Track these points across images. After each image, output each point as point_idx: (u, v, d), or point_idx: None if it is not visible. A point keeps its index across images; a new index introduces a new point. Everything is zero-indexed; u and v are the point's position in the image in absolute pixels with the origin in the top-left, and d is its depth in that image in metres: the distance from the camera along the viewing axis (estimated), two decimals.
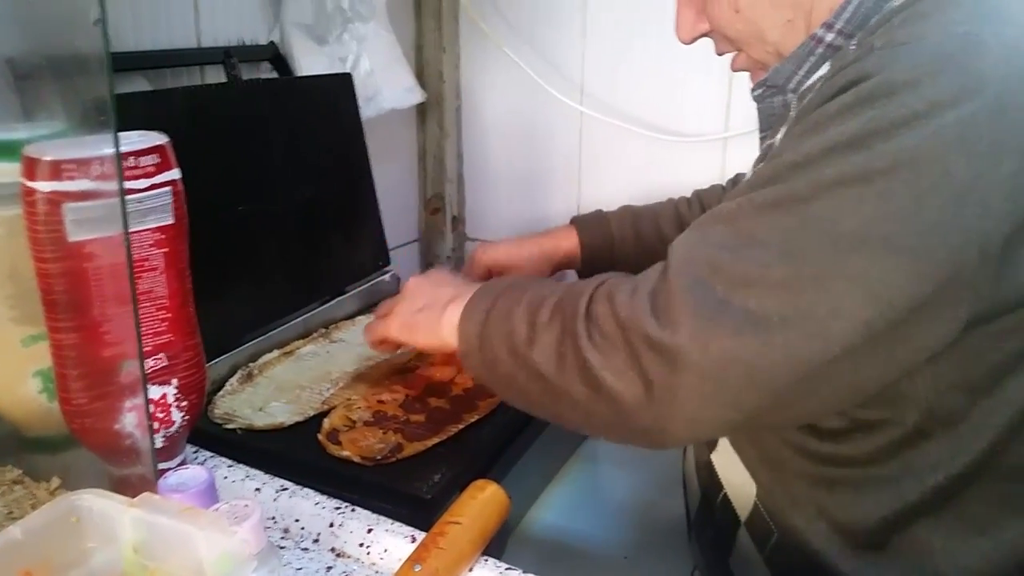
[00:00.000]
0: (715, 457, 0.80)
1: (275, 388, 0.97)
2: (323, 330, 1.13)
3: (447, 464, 0.82)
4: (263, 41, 1.20)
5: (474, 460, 0.84)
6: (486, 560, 0.63)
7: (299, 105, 1.16)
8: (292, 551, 0.67)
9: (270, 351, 1.05)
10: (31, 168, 0.57)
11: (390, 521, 0.67)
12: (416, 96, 1.42)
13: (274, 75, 1.21)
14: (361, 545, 0.66)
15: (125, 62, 0.99)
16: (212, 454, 0.77)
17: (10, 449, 0.68)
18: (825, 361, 0.55)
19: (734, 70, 0.79)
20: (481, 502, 0.64)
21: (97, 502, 0.51)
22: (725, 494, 0.79)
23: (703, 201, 1.06)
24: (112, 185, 0.56)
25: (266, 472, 0.74)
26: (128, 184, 0.61)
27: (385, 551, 0.65)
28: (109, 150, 0.55)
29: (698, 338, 0.56)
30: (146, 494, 0.50)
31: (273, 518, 0.70)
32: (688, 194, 1.10)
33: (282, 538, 0.68)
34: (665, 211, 1.06)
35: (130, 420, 0.62)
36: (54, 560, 0.50)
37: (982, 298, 0.56)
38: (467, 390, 0.96)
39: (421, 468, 0.81)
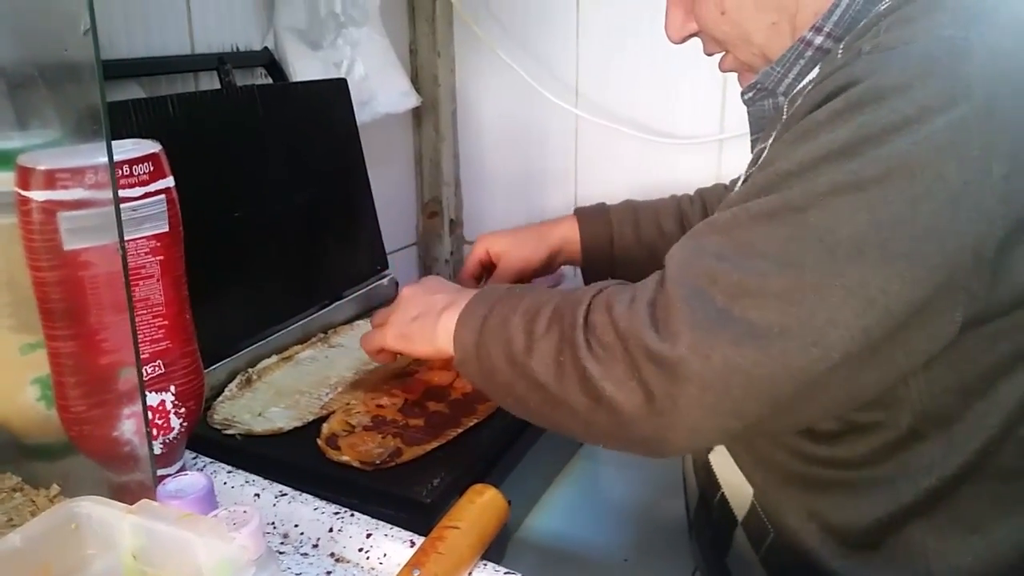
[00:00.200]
0: (713, 457, 0.81)
1: (274, 393, 0.97)
2: (322, 335, 1.13)
3: (446, 468, 0.82)
4: (257, 47, 1.21)
5: (473, 464, 0.84)
6: (485, 564, 0.63)
7: (294, 111, 1.16)
8: (291, 556, 0.67)
9: (269, 356, 1.05)
10: (25, 178, 0.58)
11: (389, 526, 0.67)
12: (411, 100, 1.43)
13: (268, 81, 1.21)
14: (360, 550, 0.66)
15: (119, 69, 0.99)
16: (211, 460, 0.78)
17: (9, 456, 0.68)
18: (825, 369, 0.55)
19: (722, 71, 0.80)
20: (480, 506, 0.64)
21: (96, 509, 0.51)
22: (722, 494, 0.79)
23: (705, 200, 1.06)
24: (106, 194, 0.56)
25: (265, 477, 0.74)
26: (122, 192, 0.61)
27: (384, 556, 0.65)
28: (103, 159, 0.55)
29: (698, 349, 0.56)
30: (145, 501, 0.50)
31: (272, 523, 0.70)
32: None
33: (281, 543, 0.68)
34: (667, 207, 1.07)
35: (128, 427, 0.62)
36: (54, 567, 0.50)
37: (976, 301, 0.57)
38: (466, 394, 0.96)
39: (420, 472, 0.81)
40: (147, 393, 0.66)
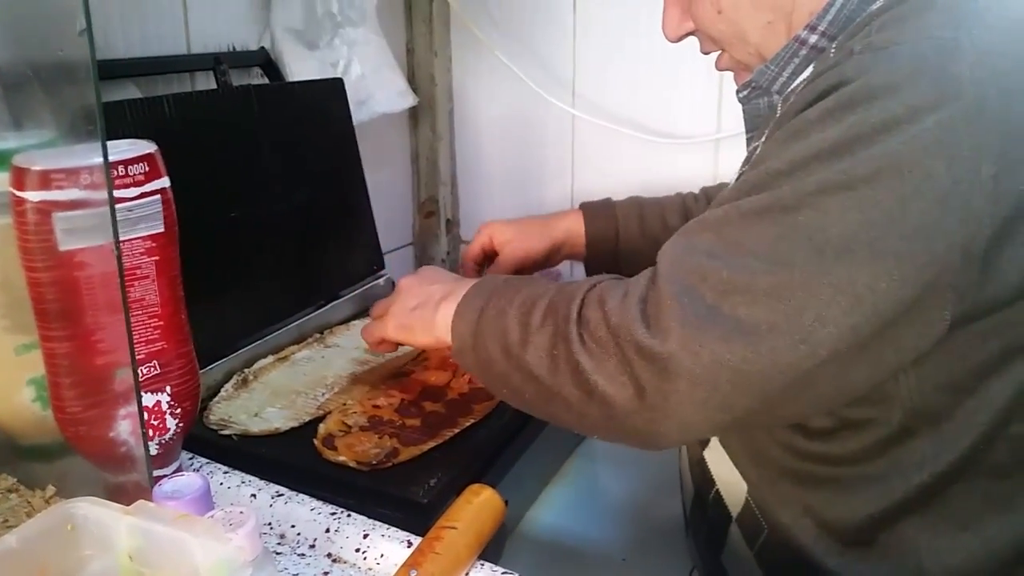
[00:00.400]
0: (708, 454, 0.81)
1: (270, 393, 0.97)
2: (318, 335, 1.13)
3: (443, 468, 0.82)
4: (253, 47, 1.20)
5: (470, 464, 0.84)
6: (482, 564, 0.63)
7: (290, 111, 1.16)
8: (288, 557, 0.67)
9: (265, 356, 1.05)
10: (20, 178, 0.57)
11: (386, 526, 0.67)
12: (408, 100, 1.42)
13: (264, 81, 1.21)
14: (357, 550, 0.66)
15: (114, 69, 0.99)
16: (208, 460, 0.77)
17: (5, 457, 0.68)
18: (813, 366, 0.56)
19: (718, 69, 0.80)
20: (476, 506, 0.64)
21: (92, 510, 0.51)
22: (717, 490, 0.80)
23: (710, 198, 1.07)
24: (102, 194, 0.56)
25: (262, 478, 0.74)
26: (118, 193, 0.61)
27: (381, 556, 0.65)
28: (98, 159, 0.55)
29: (688, 346, 0.57)
30: (141, 501, 0.50)
31: (269, 524, 0.70)
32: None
33: (278, 544, 0.68)
34: (672, 204, 1.07)
35: (124, 428, 0.62)
36: (50, 569, 0.50)
37: (965, 299, 0.57)
38: (463, 394, 0.96)
39: (417, 472, 0.81)
40: (143, 394, 0.66)
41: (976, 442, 0.64)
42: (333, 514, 0.69)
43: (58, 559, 0.50)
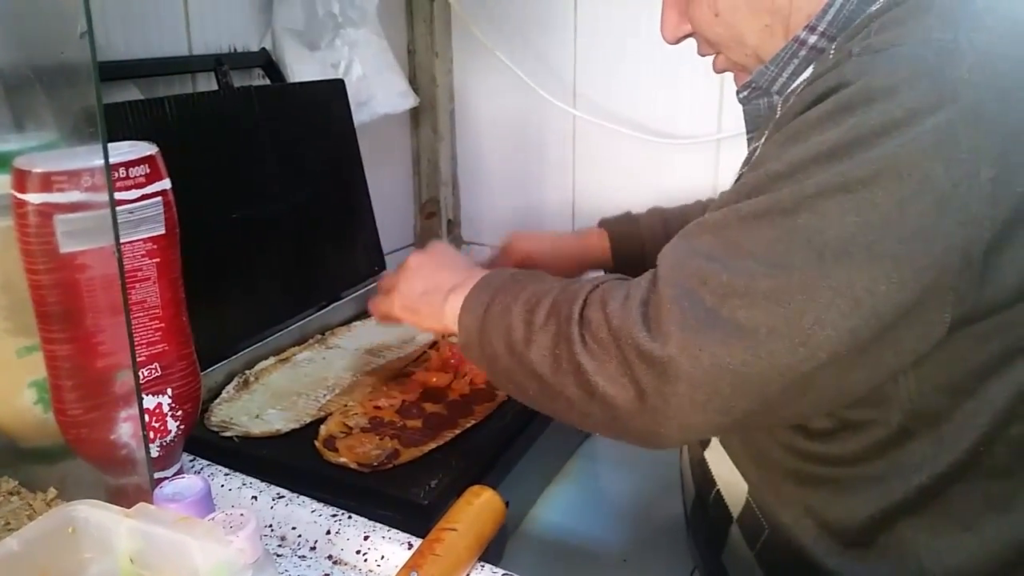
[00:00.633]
0: (708, 454, 0.81)
1: (271, 395, 0.97)
2: (319, 336, 1.13)
3: (444, 470, 0.82)
4: (254, 48, 1.20)
5: (471, 465, 0.84)
6: (483, 566, 0.63)
7: (292, 111, 1.16)
8: (289, 559, 0.67)
9: (266, 358, 1.05)
10: (21, 180, 0.57)
11: (387, 528, 0.67)
12: (409, 100, 1.42)
13: (266, 82, 1.21)
14: (358, 552, 0.66)
15: (116, 71, 0.99)
16: (209, 462, 0.77)
17: (6, 460, 0.68)
18: (812, 369, 0.56)
19: (716, 71, 0.80)
20: (477, 508, 0.64)
21: (93, 513, 0.51)
22: (718, 490, 0.80)
23: None
24: (103, 196, 0.56)
25: (263, 480, 0.74)
26: (119, 195, 0.61)
27: (382, 558, 0.65)
28: (99, 161, 0.55)
29: (687, 349, 0.57)
30: (142, 504, 0.50)
31: (270, 526, 0.70)
32: (686, 194, 1.10)
33: (279, 546, 0.68)
34: (693, 212, 1.06)
35: (125, 430, 0.62)
36: (51, 571, 0.50)
37: (965, 302, 0.57)
38: (463, 395, 0.97)
39: (418, 474, 0.81)
40: (144, 396, 0.66)
41: (976, 443, 0.64)
42: (334, 516, 0.69)
43: (59, 562, 0.50)
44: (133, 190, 0.63)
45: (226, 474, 0.75)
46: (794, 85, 0.70)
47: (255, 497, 0.72)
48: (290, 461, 0.84)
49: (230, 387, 0.97)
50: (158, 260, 0.65)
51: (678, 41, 0.80)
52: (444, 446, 0.85)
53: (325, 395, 0.97)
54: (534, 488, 1.03)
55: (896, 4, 0.61)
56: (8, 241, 0.60)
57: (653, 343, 0.58)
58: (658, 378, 0.58)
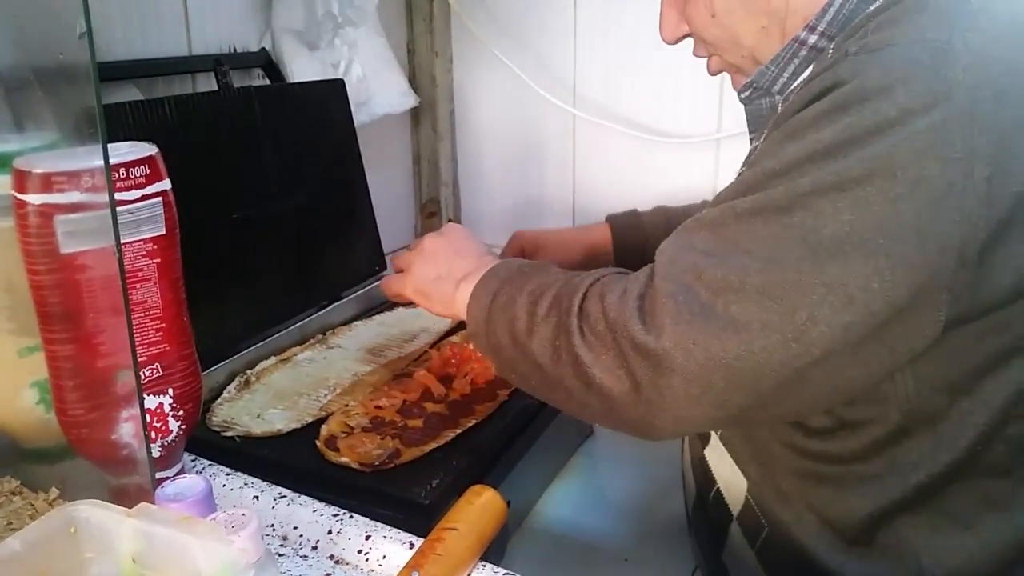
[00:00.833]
0: (708, 453, 0.81)
1: (273, 395, 0.97)
2: (320, 336, 1.13)
3: (445, 469, 0.82)
4: (254, 48, 1.20)
5: (472, 465, 0.84)
6: (484, 565, 0.63)
7: (292, 112, 1.16)
8: (291, 559, 0.67)
9: (267, 358, 1.05)
10: (21, 181, 0.58)
11: (388, 528, 0.67)
12: (409, 100, 1.42)
13: (266, 82, 1.21)
14: (360, 552, 0.66)
15: (116, 71, 0.99)
16: (210, 462, 0.77)
17: (8, 460, 0.68)
18: (805, 365, 0.57)
19: (710, 73, 0.81)
20: (478, 508, 0.64)
21: (95, 513, 0.51)
22: (718, 489, 0.80)
23: None
24: (103, 197, 0.56)
25: (264, 480, 0.74)
26: (119, 196, 0.61)
27: (384, 558, 0.65)
28: (99, 162, 0.55)
29: (681, 343, 0.57)
30: (143, 504, 0.50)
31: (272, 526, 0.70)
32: (686, 194, 1.10)
33: (281, 546, 0.68)
34: (697, 211, 1.06)
35: (127, 430, 0.62)
36: (53, 571, 0.50)
37: (960, 301, 0.57)
38: (464, 395, 0.97)
39: (419, 473, 0.81)
40: (145, 396, 0.66)
41: (974, 443, 0.64)
42: (335, 515, 0.69)
43: (61, 562, 0.50)
44: (133, 190, 0.63)
45: (227, 474, 0.75)
46: (795, 85, 0.70)
47: (257, 497, 0.72)
48: (291, 461, 0.84)
49: (231, 387, 0.97)
50: (159, 260, 0.65)
51: (677, 41, 0.80)
52: (445, 446, 0.85)
53: (326, 395, 0.97)
54: (535, 487, 1.03)
55: (893, 3, 0.61)
56: (9, 242, 0.60)
57: (648, 336, 0.59)
58: (653, 370, 0.59)
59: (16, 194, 0.58)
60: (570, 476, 1.09)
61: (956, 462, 0.65)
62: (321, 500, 0.71)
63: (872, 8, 0.64)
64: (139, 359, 0.65)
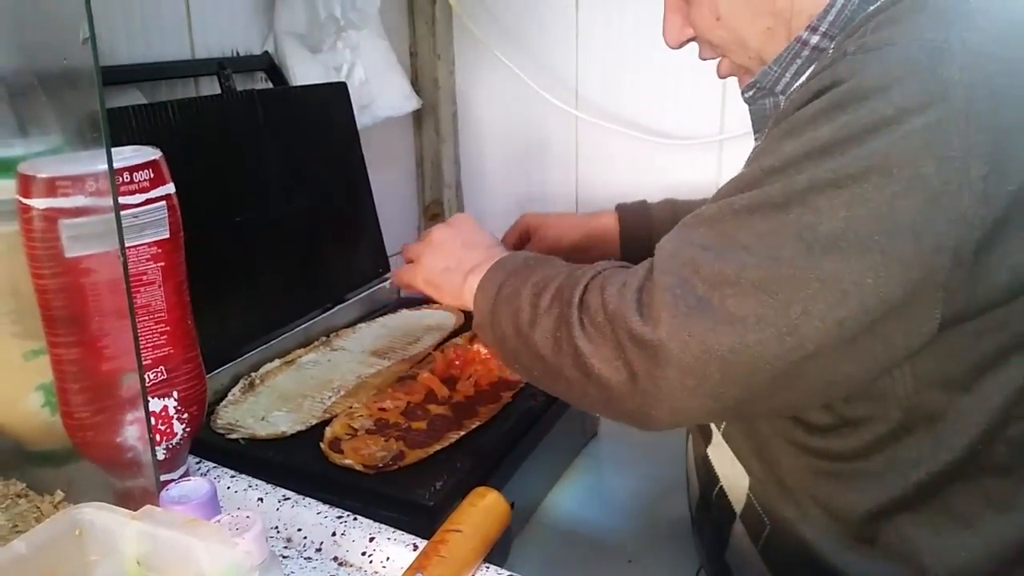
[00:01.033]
0: (711, 451, 0.81)
1: (277, 397, 0.97)
2: (324, 338, 1.13)
3: (449, 471, 0.82)
4: (257, 51, 1.21)
5: (476, 467, 0.84)
6: (488, 567, 0.63)
7: (294, 115, 1.16)
8: (295, 560, 0.67)
9: (271, 360, 1.05)
10: (26, 185, 0.58)
11: (392, 530, 0.67)
12: (412, 103, 1.43)
13: (268, 85, 1.21)
14: (363, 554, 0.66)
15: (119, 75, 0.99)
16: (215, 464, 0.78)
17: (14, 463, 0.68)
18: (799, 358, 0.57)
19: (720, 76, 0.81)
20: (482, 509, 0.64)
21: (99, 515, 0.51)
22: (721, 487, 0.80)
23: None
24: (107, 201, 0.56)
25: (268, 482, 0.74)
26: (123, 199, 0.61)
27: (387, 559, 0.65)
28: (103, 166, 0.55)
29: (677, 334, 0.58)
30: (148, 506, 0.51)
31: (276, 528, 0.70)
32: (689, 195, 1.09)
33: (285, 548, 0.69)
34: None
35: (132, 433, 0.63)
36: (58, 574, 0.50)
37: (956, 299, 0.57)
38: (468, 397, 0.97)
39: (423, 475, 0.81)
40: (150, 399, 0.66)
41: (974, 441, 0.64)
42: (339, 517, 0.69)
43: (66, 564, 0.51)
44: (137, 194, 0.63)
45: (232, 476, 0.75)
46: (797, 84, 0.70)
47: (261, 499, 0.72)
48: (296, 463, 0.84)
49: (236, 389, 0.98)
50: (163, 264, 0.66)
51: (681, 45, 0.80)
52: (449, 447, 0.85)
53: (330, 397, 0.97)
54: (539, 489, 1.03)
55: (892, 3, 0.62)
56: (14, 246, 0.60)
57: (645, 327, 0.60)
58: (649, 361, 0.60)
59: (21, 198, 0.58)
60: (574, 477, 1.09)
61: (957, 461, 0.65)
62: (325, 502, 0.71)
63: (872, 8, 0.64)
64: (144, 362, 0.65)
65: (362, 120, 1.30)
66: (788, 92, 0.72)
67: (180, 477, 0.69)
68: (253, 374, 1.01)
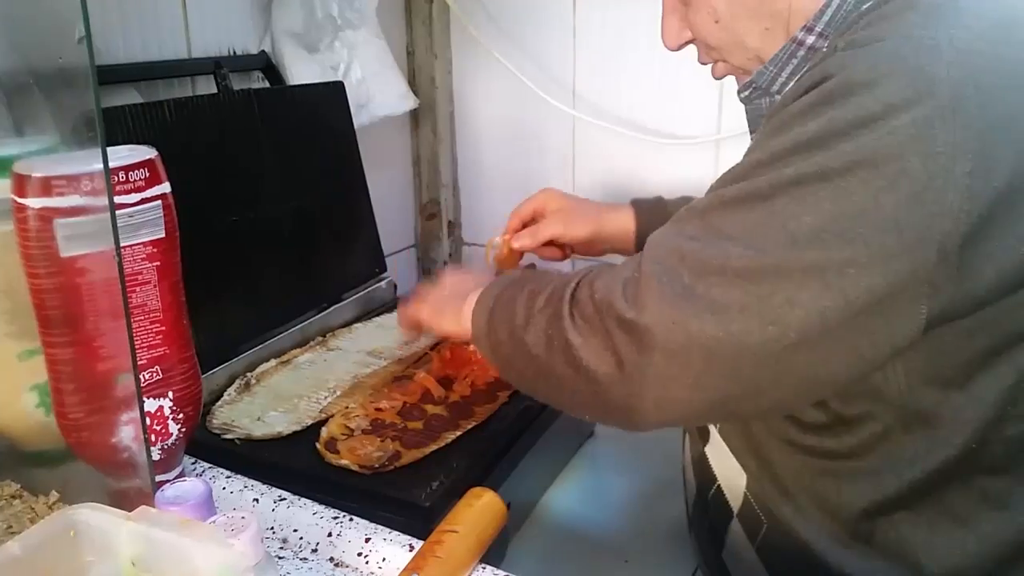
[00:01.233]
0: (709, 450, 0.81)
1: (273, 397, 0.97)
2: (320, 338, 1.13)
3: (445, 471, 0.82)
4: (254, 51, 1.21)
5: (472, 467, 0.84)
6: (484, 567, 0.63)
7: (291, 114, 1.16)
8: (291, 561, 0.67)
9: (267, 360, 1.05)
10: (21, 185, 0.58)
11: (388, 530, 0.67)
12: (409, 102, 1.43)
13: (265, 85, 1.21)
14: (359, 555, 0.66)
15: (115, 74, 0.99)
16: (210, 465, 0.77)
17: (9, 463, 0.68)
18: (782, 348, 0.58)
19: (715, 78, 0.81)
20: (478, 510, 0.64)
21: (94, 516, 0.51)
22: (718, 486, 0.80)
23: None
24: (102, 200, 0.56)
25: (264, 482, 0.74)
26: (118, 199, 0.61)
27: (383, 560, 0.65)
28: (98, 166, 0.55)
29: (662, 320, 0.59)
30: (143, 507, 0.50)
31: (272, 528, 0.70)
32: (687, 195, 1.10)
33: (281, 548, 0.68)
34: None
35: (127, 433, 0.62)
36: (53, 575, 0.50)
37: (942, 296, 0.58)
38: (464, 397, 0.97)
39: (419, 476, 0.81)
40: (145, 399, 0.66)
41: (968, 440, 0.65)
42: (335, 518, 0.69)
43: (61, 565, 0.51)
44: (133, 194, 0.63)
45: (227, 477, 0.75)
46: (793, 84, 0.71)
47: (256, 500, 0.72)
48: (291, 463, 0.84)
49: (231, 389, 0.97)
50: (158, 264, 0.65)
51: (679, 48, 0.80)
52: (445, 448, 0.85)
53: (326, 397, 0.97)
54: (536, 489, 1.03)
55: (885, 1, 0.62)
56: (9, 245, 0.60)
57: (631, 312, 0.60)
58: (635, 346, 0.60)
59: (16, 198, 0.58)
60: (570, 477, 1.09)
61: (952, 459, 0.65)
62: (321, 503, 0.71)
63: (866, 6, 0.65)
64: (139, 362, 0.65)
65: (359, 119, 1.29)
66: (783, 91, 0.72)
67: (175, 478, 0.69)
68: (249, 374, 1.01)
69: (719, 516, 0.81)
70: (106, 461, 0.64)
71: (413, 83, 1.52)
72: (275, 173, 1.12)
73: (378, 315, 1.23)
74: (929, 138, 0.55)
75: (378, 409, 0.93)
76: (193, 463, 0.78)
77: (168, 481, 0.58)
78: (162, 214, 0.65)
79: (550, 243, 1.03)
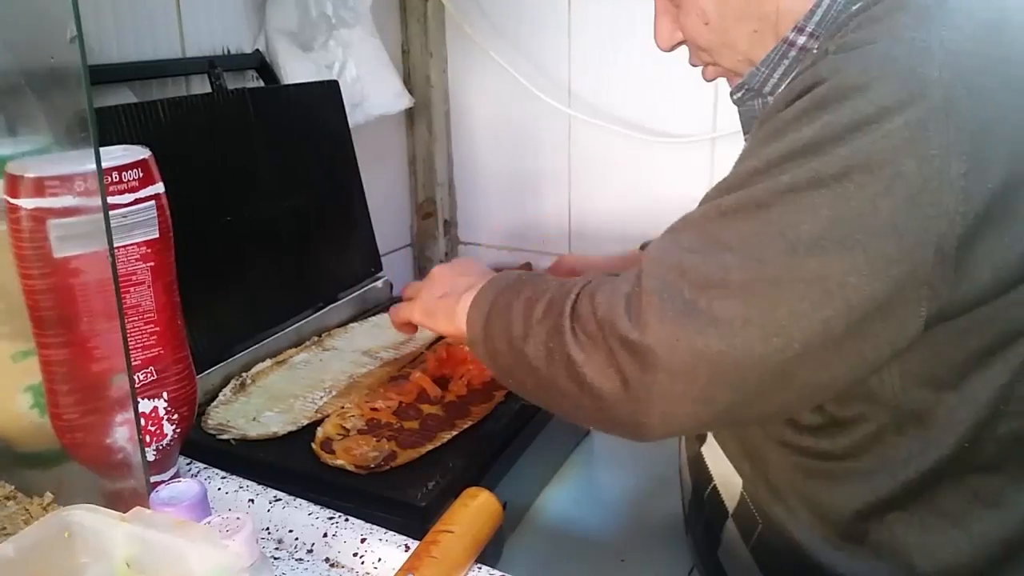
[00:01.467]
0: (705, 450, 0.82)
1: (268, 397, 0.97)
2: (316, 338, 1.13)
3: (441, 471, 0.82)
4: (248, 50, 1.20)
5: (468, 466, 0.84)
6: (480, 568, 0.63)
7: (286, 114, 1.16)
8: (286, 562, 0.67)
9: (263, 360, 1.04)
10: (14, 185, 0.57)
11: (383, 530, 0.67)
12: (404, 101, 1.42)
13: (260, 84, 1.21)
14: (355, 555, 0.66)
15: (109, 74, 0.99)
16: (206, 465, 0.77)
17: (2, 465, 0.68)
18: (787, 359, 0.57)
19: (706, 80, 0.81)
20: (473, 510, 0.64)
21: (89, 517, 0.51)
22: (714, 486, 0.81)
23: None
24: (96, 201, 0.56)
25: (259, 483, 0.74)
26: (112, 199, 0.61)
27: (379, 560, 0.65)
28: (91, 166, 0.55)
29: (665, 339, 0.58)
30: (138, 508, 0.50)
31: (267, 529, 0.70)
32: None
33: (276, 549, 0.68)
34: None
35: (121, 434, 0.62)
36: None
37: (940, 297, 0.58)
38: (460, 397, 0.96)
39: (415, 476, 0.81)
40: (139, 400, 0.66)
41: (961, 439, 0.65)
42: (331, 519, 0.69)
43: (55, 567, 0.50)
44: (126, 194, 0.63)
45: (223, 477, 0.75)
46: (785, 85, 0.71)
47: (252, 500, 0.72)
48: (287, 464, 0.84)
49: (227, 390, 0.97)
50: (152, 264, 0.65)
51: (672, 48, 0.81)
52: (441, 447, 0.85)
53: (322, 397, 0.96)
54: (531, 489, 1.03)
55: (875, 2, 0.62)
56: (2, 246, 0.60)
57: (634, 332, 0.60)
58: (639, 366, 0.60)
59: (9, 198, 0.58)
60: (566, 477, 1.09)
61: (945, 459, 0.65)
62: (317, 503, 0.71)
63: (855, 8, 0.65)
64: (133, 363, 0.65)
65: (354, 118, 1.29)
66: (775, 92, 0.72)
67: (170, 478, 0.69)
68: (244, 374, 1.00)
69: (715, 516, 0.81)
70: (101, 462, 0.63)
71: (408, 82, 1.51)
72: (270, 173, 1.12)
73: (374, 315, 1.22)
74: (923, 140, 0.55)
75: (374, 409, 0.93)
76: (188, 464, 0.77)
77: (163, 482, 0.58)
78: (156, 214, 0.65)
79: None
